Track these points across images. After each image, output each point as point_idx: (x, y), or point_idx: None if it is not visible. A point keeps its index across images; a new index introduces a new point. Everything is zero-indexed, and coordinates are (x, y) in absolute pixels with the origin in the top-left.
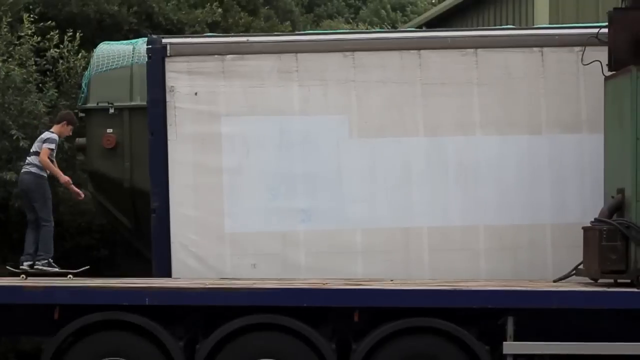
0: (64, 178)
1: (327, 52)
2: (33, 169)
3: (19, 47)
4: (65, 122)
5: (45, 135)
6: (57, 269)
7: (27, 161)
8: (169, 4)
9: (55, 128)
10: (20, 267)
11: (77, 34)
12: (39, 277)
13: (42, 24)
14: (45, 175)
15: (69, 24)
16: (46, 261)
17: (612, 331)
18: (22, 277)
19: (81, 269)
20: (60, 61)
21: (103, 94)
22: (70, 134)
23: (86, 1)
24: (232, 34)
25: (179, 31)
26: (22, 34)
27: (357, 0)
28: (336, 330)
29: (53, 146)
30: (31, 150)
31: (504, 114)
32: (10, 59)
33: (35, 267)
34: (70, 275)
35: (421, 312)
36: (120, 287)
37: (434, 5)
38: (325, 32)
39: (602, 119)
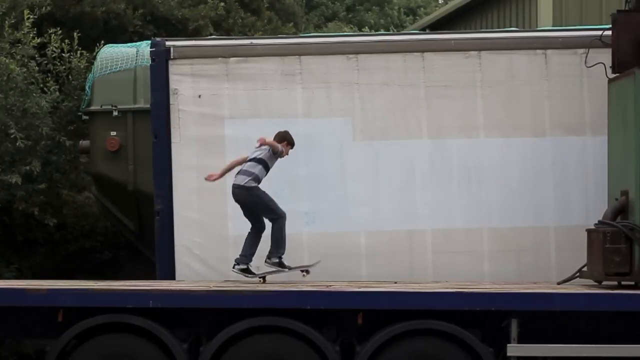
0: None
1: (331, 54)
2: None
3: (20, 47)
4: (286, 142)
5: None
6: (289, 267)
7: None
8: (173, 2)
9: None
10: (233, 269)
11: (75, 34)
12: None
13: (38, 15)
14: (256, 184)
15: (76, 25)
16: (277, 260)
17: (616, 333)
18: (260, 281)
19: (313, 264)
20: (60, 61)
21: (107, 97)
22: (288, 154)
23: (95, 2)
24: (236, 36)
25: (183, 27)
26: (23, 32)
27: None
28: (340, 332)
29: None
30: (253, 157)
31: (508, 116)
32: (11, 60)
33: (266, 263)
34: (305, 273)
35: (425, 314)
36: (124, 289)
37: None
38: (328, 35)
39: (605, 121)
